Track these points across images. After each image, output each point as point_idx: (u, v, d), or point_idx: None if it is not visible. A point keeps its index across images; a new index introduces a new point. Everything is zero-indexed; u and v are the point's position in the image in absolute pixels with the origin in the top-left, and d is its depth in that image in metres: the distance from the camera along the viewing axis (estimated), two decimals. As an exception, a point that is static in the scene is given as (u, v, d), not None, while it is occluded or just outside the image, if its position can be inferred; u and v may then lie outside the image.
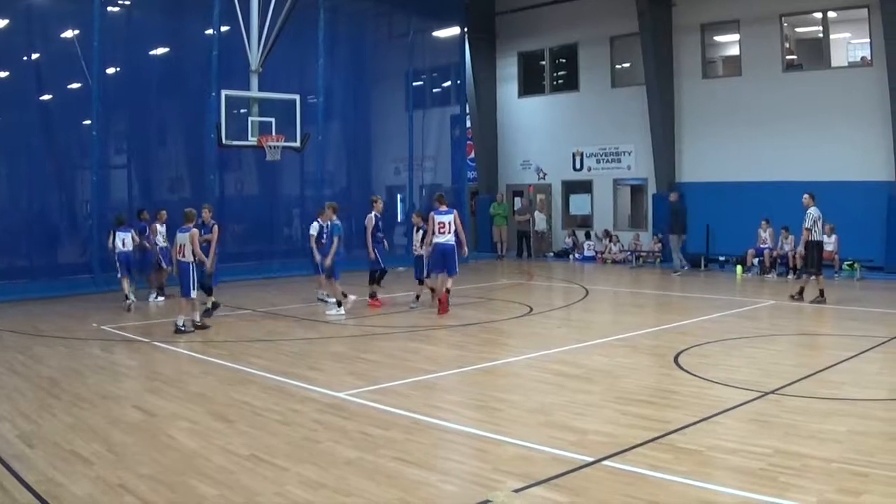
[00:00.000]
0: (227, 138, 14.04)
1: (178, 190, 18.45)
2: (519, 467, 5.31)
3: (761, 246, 17.96)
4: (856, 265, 16.91)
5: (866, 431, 5.95)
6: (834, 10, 18.00)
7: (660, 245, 20.60)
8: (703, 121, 20.19)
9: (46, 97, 16.22)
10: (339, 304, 12.51)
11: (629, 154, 21.86)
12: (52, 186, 16.21)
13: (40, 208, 16.13)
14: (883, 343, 9.49)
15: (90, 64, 15.54)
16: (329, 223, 12.89)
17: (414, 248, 13.46)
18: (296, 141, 14.73)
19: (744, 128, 19.15)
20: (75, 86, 16.21)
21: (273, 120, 14.39)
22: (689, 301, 14.30)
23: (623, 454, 5.51)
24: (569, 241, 23.04)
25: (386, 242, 14.43)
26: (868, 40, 17.48)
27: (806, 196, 13.31)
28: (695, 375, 7.93)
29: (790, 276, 16.71)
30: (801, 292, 13.43)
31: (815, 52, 18.81)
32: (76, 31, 15.84)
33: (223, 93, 14.12)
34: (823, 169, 17.38)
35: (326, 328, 11.57)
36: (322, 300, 13.63)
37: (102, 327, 11.49)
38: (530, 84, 24.46)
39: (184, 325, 10.75)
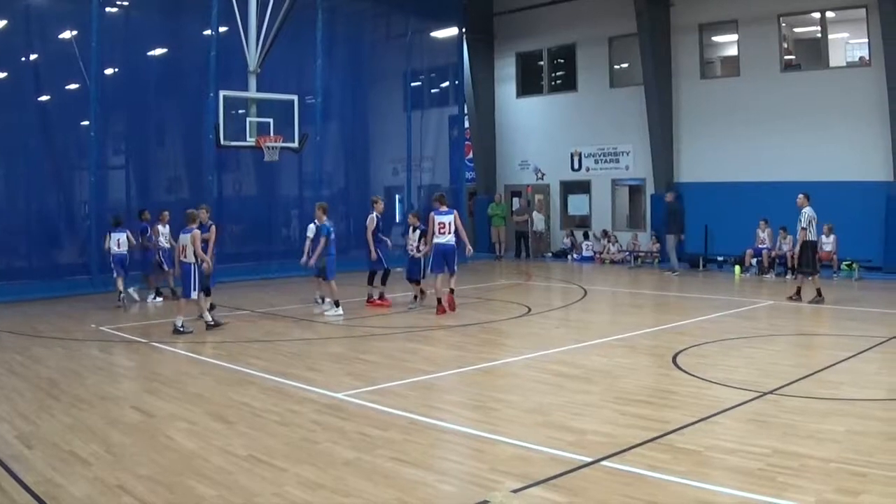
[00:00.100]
0: (225, 139, 14.01)
1: (176, 191, 18.44)
2: (517, 467, 5.32)
3: (759, 246, 17.95)
4: (854, 265, 16.92)
5: (865, 431, 5.95)
6: (832, 10, 17.99)
7: (658, 245, 20.62)
8: (701, 121, 20.18)
9: (44, 98, 16.20)
10: (336, 303, 12.50)
11: (627, 154, 21.86)
12: (50, 187, 16.19)
13: (38, 209, 16.10)
14: (881, 343, 9.50)
15: (88, 64, 15.52)
16: (317, 223, 12.90)
17: (409, 248, 13.40)
18: (294, 141, 14.69)
19: (742, 128, 19.14)
20: (73, 86, 16.19)
21: (271, 120, 14.36)
22: (687, 301, 14.30)
23: (621, 454, 5.52)
24: (567, 241, 23.04)
25: (389, 242, 14.39)
26: (866, 40, 17.48)
27: (801, 196, 13.31)
28: (693, 376, 7.94)
29: (788, 277, 16.70)
30: (798, 293, 13.43)
31: (814, 53, 18.81)
32: (74, 32, 15.80)
33: (221, 93, 14.10)
34: (822, 169, 17.40)
35: (325, 329, 11.57)
36: (315, 301, 13.62)
37: (101, 328, 11.48)
38: (528, 84, 24.44)
39: (182, 326, 10.74)
